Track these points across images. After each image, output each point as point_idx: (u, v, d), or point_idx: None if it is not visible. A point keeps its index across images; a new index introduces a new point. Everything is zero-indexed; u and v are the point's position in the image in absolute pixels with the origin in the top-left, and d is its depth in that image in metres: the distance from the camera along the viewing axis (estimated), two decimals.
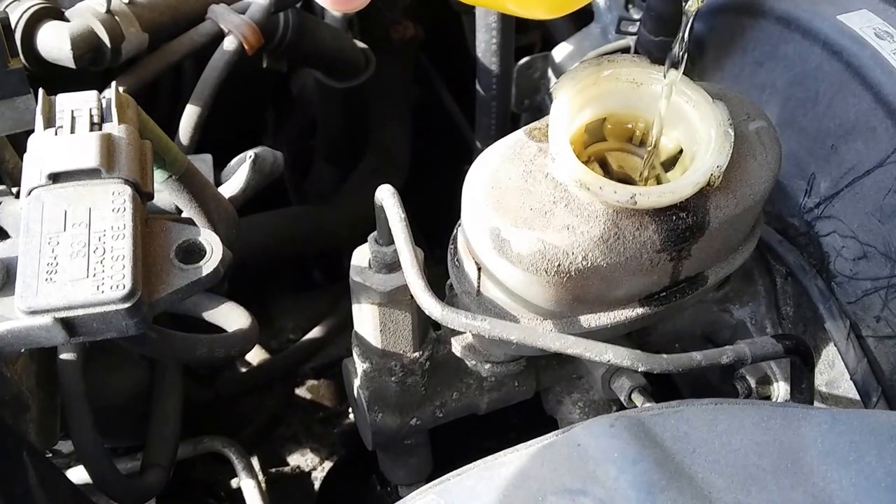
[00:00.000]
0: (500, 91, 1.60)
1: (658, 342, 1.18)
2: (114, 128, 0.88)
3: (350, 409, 1.92)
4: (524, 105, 1.86)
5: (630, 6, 1.62)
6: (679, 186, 0.86)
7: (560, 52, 1.78)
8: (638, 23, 1.22)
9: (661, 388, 1.12)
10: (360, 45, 1.81)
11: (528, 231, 0.87)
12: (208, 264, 0.84)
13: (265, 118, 2.15)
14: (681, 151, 0.94)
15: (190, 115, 1.35)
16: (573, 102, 0.90)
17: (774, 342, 0.94)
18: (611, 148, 0.96)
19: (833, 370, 1.10)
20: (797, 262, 1.10)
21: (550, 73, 1.81)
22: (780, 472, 0.72)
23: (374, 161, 1.99)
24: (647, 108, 0.93)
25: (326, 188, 2.06)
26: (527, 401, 1.21)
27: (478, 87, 1.61)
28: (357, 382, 1.13)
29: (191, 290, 0.83)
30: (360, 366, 1.10)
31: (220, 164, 1.30)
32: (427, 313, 0.88)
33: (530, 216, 0.88)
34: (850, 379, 1.04)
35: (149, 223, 0.87)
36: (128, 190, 0.84)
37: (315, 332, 1.90)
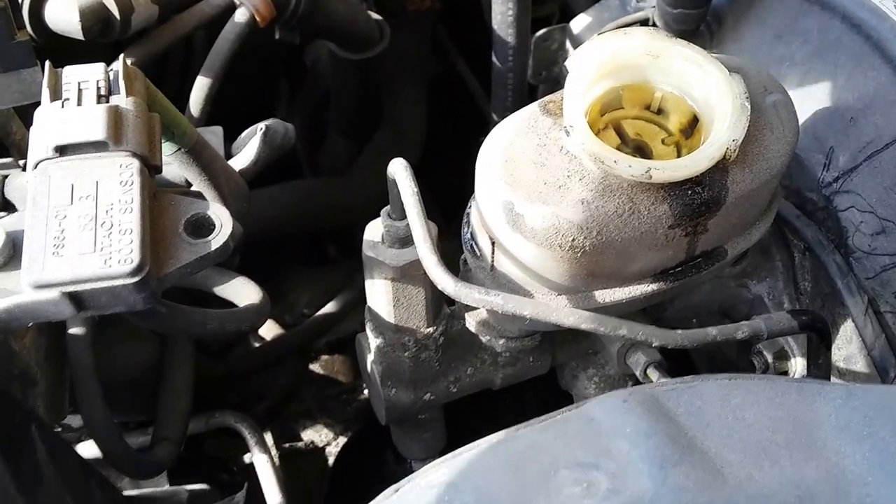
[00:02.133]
0: (516, 63, 1.58)
1: (674, 318, 1.17)
2: (121, 100, 0.88)
3: (364, 385, 1.92)
4: (542, 77, 1.84)
5: None
6: (695, 160, 0.84)
7: (578, 23, 1.75)
8: None
9: (677, 363, 1.11)
10: (375, 16, 1.79)
11: (542, 205, 0.86)
12: (217, 238, 0.83)
13: (278, 90, 2.13)
14: (697, 121, 0.92)
15: (200, 88, 1.34)
16: (588, 76, 0.89)
17: (790, 318, 0.92)
18: (628, 116, 0.95)
19: (851, 346, 1.08)
20: (815, 237, 1.08)
21: (568, 44, 1.79)
22: (793, 446, 0.72)
23: (389, 135, 1.97)
24: (665, 80, 0.92)
25: (340, 161, 2.04)
26: (543, 376, 1.20)
27: (494, 59, 1.59)
28: (370, 357, 1.12)
29: (200, 264, 0.82)
30: (373, 341, 1.09)
31: (232, 137, 1.29)
32: (440, 288, 0.88)
33: (545, 190, 0.87)
34: (868, 355, 1.03)
35: (157, 197, 0.86)
36: (135, 163, 0.84)
37: (329, 308, 1.89)
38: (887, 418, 0.72)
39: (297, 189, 1.85)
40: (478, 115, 2.08)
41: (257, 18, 1.36)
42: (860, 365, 1.08)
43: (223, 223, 0.84)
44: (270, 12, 1.37)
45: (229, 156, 1.19)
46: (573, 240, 0.86)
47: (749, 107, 0.85)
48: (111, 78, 0.89)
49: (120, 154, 0.84)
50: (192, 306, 1.00)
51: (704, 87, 0.89)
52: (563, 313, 0.87)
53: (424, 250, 0.88)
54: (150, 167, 0.87)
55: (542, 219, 0.86)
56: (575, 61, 0.89)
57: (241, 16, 1.36)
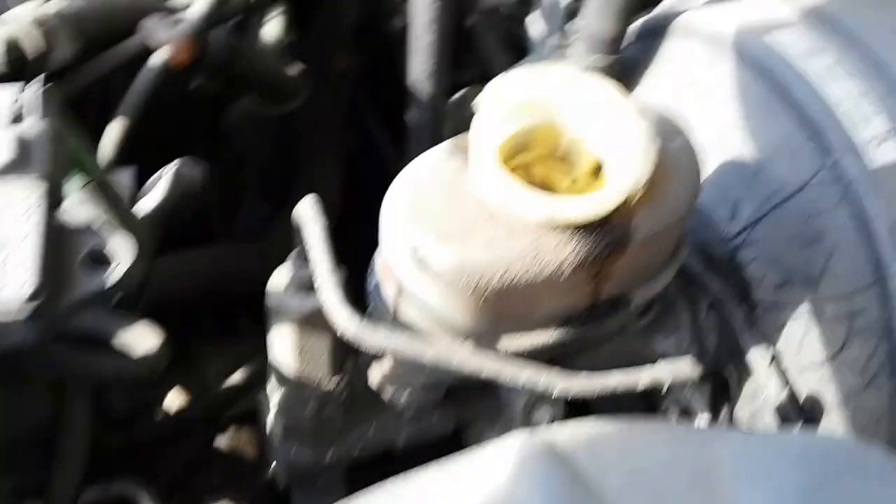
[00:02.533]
0: (432, 119, 1.58)
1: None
2: (32, 125, 0.85)
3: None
4: None
5: (562, 36, 1.62)
6: (598, 201, 0.84)
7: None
8: (570, 45, 1.23)
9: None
10: (293, 70, 1.79)
11: (448, 246, 0.85)
12: (117, 271, 0.80)
13: (195, 151, 2.10)
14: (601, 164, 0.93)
15: (114, 130, 1.32)
16: (497, 113, 0.89)
17: (692, 367, 0.92)
18: (535, 159, 0.94)
19: (756, 402, 1.08)
20: (720, 291, 1.08)
21: None
22: (691, 491, 0.71)
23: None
24: (573, 120, 0.92)
25: (257, 226, 2.01)
26: (449, 447, 1.17)
27: (410, 114, 1.59)
28: (271, 413, 1.08)
29: (98, 297, 0.79)
30: (274, 395, 1.06)
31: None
32: (341, 329, 0.85)
33: (451, 231, 0.86)
34: (773, 409, 1.03)
35: (58, 227, 0.83)
36: (40, 189, 0.81)
37: (238, 378, 1.84)
38: (783, 463, 0.72)
39: (210, 255, 1.81)
40: (390, 174, 2.08)
41: (176, 61, 1.35)
42: (766, 421, 1.08)
43: (124, 256, 0.81)
44: (190, 56, 1.37)
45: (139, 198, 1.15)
46: (478, 281, 0.84)
47: (654, 148, 0.86)
48: (24, 102, 0.86)
49: (25, 179, 0.81)
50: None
51: (611, 129, 0.89)
52: (464, 357, 0.85)
53: (327, 288, 0.86)
54: (55, 196, 0.84)
55: (447, 259, 0.84)
56: (486, 97, 0.89)
57: (159, 58, 1.35)
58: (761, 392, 1.06)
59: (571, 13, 1.60)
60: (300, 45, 1.88)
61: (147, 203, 1.13)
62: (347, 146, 2.11)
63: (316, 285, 0.96)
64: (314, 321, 0.98)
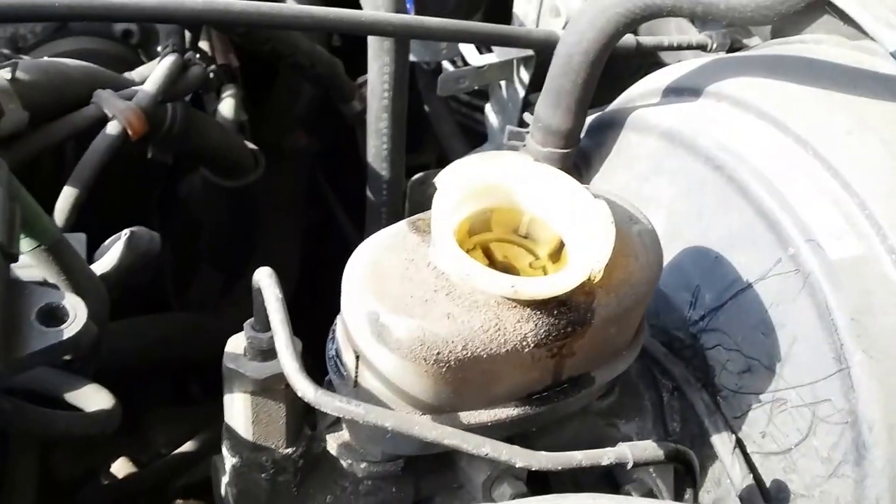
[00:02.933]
0: (390, 197, 1.61)
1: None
2: None
3: None
4: None
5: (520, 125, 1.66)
6: (559, 279, 0.85)
7: None
8: (527, 134, 1.24)
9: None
10: (250, 145, 1.81)
11: (407, 317, 0.85)
12: (70, 328, 0.79)
13: (150, 221, 2.10)
14: (562, 244, 0.93)
15: (66, 197, 1.32)
16: (457, 194, 0.89)
17: (656, 447, 0.92)
18: (496, 238, 0.95)
19: (720, 488, 1.07)
20: (683, 375, 1.09)
21: None
22: None
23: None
24: (532, 203, 0.93)
25: (211, 297, 2.00)
26: None
27: (368, 193, 1.61)
28: (225, 479, 1.06)
29: (50, 353, 0.78)
30: (228, 460, 1.04)
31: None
32: (300, 395, 0.84)
33: (411, 303, 0.86)
34: (736, 496, 1.02)
35: (10, 284, 0.82)
36: None
37: (186, 447, 1.81)
38: None
39: (164, 322, 1.79)
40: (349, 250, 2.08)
41: (129, 132, 1.36)
42: None
43: (77, 314, 0.80)
44: (143, 127, 1.39)
45: (91, 263, 1.15)
46: (438, 353, 0.84)
47: (614, 230, 0.87)
48: None
49: None
50: None
51: (570, 211, 0.90)
52: (425, 427, 0.84)
53: (285, 356, 0.85)
54: (6, 254, 0.84)
55: (407, 330, 0.84)
56: (444, 179, 0.90)
57: (112, 128, 1.37)
58: (725, 478, 1.05)
59: (527, 104, 1.64)
60: (255, 123, 1.90)
61: (102, 265, 1.13)
62: (307, 222, 2.12)
63: (276, 351, 0.96)
64: (271, 387, 0.98)
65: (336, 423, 1.05)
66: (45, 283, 0.98)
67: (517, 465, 0.86)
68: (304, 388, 0.84)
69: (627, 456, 0.90)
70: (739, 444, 1.04)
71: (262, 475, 1.03)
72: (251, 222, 1.95)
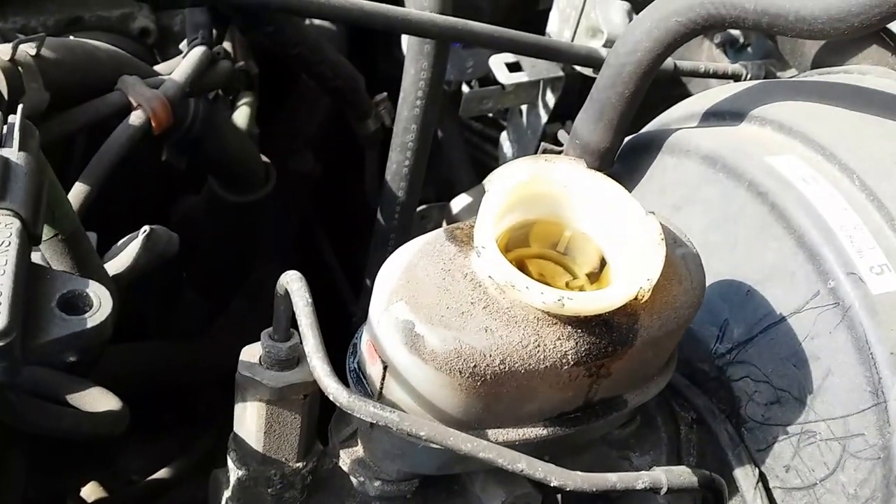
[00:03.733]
0: (401, 222, 1.54)
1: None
2: (12, 153, 0.79)
3: None
4: None
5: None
6: (607, 295, 0.81)
7: (458, 203, 1.75)
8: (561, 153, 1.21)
9: None
10: (264, 159, 1.74)
11: (444, 329, 0.81)
12: (95, 317, 0.74)
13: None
14: (604, 265, 0.90)
15: (77, 194, 1.23)
16: (504, 197, 0.86)
17: (690, 473, 0.88)
18: (532, 254, 0.92)
19: None
20: (706, 406, 1.06)
21: (444, 224, 1.78)
22: None
23: (253, 298, 1.88)
24: (577, 214, 0.90)
25: (195, 323, 1.92)
26: None
27: (378, 216, 1.55)
28: (227, 493, 1.01)
29: (71, 342, 0.73)
30: (234, 472, 0.98)
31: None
32: (331, 398, 0.80)
33: (447, 314, 0.82)
34: None
35: (33, 266, 0.77)
36: (16, 223, 0.75)
37: (160, 474, 1.73)
38: None
39: (146, 350, 1.72)
40: (337, 303, 2.03)
41: (153, 123, 1.29)
42: None
43: (103, 303, 0.75)
44: (169, 119, 1.31)
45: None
46: (474, 366, 0.80)
47: (664, 249, 0.84)
48: (5, 130, 0.81)
49: (2, 211, 0.76)
50: None
51: (618, 226, 0.87)
52: (460, 439, 0.80)
53: (316, 358, 0.81)
54: (31, 234, 0.78)
55: (443, 341, 0.81)
56: (493, 181, 0.86)
57: (136, 118, 1.29)
58: None
59: (545, 136, 1.61)
60: (262, 140, 1.84)
61: (116, 265, 1.07)
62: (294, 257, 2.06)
63: (294, 361, 0.92)
64: (287, 397, 0.93)
65: (350, 439, 1.01)
66: (67, 270, 0.92)
67: (552, 484, 0.82)
68: (337, 391, 0.80)
69: (662, 481, 0.87)
70: (762, 478, 1.01)
71: (269, 489, 0.98)
72: (249, 246, 1.88)
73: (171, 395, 1.94)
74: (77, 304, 0.76)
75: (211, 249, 1.91)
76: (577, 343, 0.82)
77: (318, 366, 0.80)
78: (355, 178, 1.95)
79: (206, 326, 1.87)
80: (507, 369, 0.81)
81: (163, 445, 1.83)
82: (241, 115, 1.75)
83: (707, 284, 1.07)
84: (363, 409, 0.78)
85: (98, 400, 1.01)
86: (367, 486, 0.99)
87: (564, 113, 1.61)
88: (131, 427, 1.89)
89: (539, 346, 0.81)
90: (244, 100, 1.76)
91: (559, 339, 0.82)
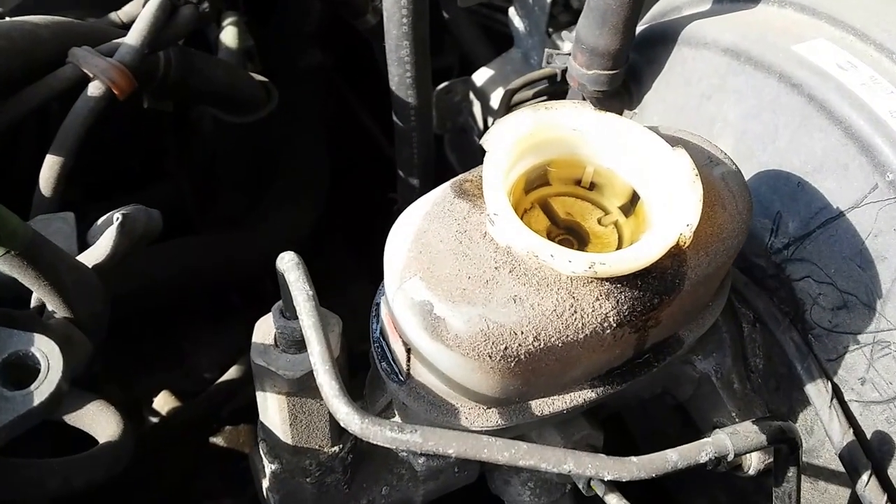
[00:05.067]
0: (419, 122, 1.43)
1: (614, 403, 1.03)
2: None
3: None
4: (447, 127, 1.72)
5: (550, 31, 1.48)
6: (644, 251, 0.71)
7: (481, 76, 1.64)
8: (568, 56, 1.07)
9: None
10: (260, 78, 1.63)
11: (467, 306, 0.72)
12: (43, 387, 0.64)
13: (166, 142, 1.94)
14: (637, 198, 0.79)
15: (51, 167, 1.16)
16: (508, 154, 0.75)
17: (758, 430, 0.80)
18: (556, 192, 0.81)
19: (812, 437, 0.97)
20: (767, 309, 0.96)
21: (472, 96, 1.67)
22: None
23: (290, 184, 1.81)
24: (595, 153, 0.78)
25: (235, 213, 1.86)
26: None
27: (395, 118, 1.44)
28: (266, 483, 0.95)
29: (20, 424, 0.63)
30: (268, 466, 0.92)
31: (113, 201, 1.10)
32: (342, 424, 0.71)
33: (469, 287, 0.72)
34: (836, 454, 0.91)
35: None
36: None
37: (231, 373, 1.68)
38: None
39: (192, 245, 1.64)
40: (380, 160, 1.96)
41: (115, 91, 1.19)
42: (823, 459, 0.96)
43: (51, 363, 0.64)
44: (130, 84, 1.21)
45: (84, 245, 0.99)
46: (505, 348, 0.71)
47: (700, 185, 0.73)
48: None
49: None
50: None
51: (643, 163, 0.76)
52: (495, 448, 0.71)
53: (323, 375, 0.72)
54: None
55: (467, 322, 0.71)
56: (492, 139, 0.75)
57: (95, 89, 1.19)
58: (818, 425, 0.94)
59: (554, 5, 1.46)
60: (264, 46, 1.72)
61: (93, 255, 0.97)
62: (328, 127, 1.98)
63: (312, 367, 0.83)
64: (309, 383, 0.85)
65: (387, 409, 0.93)
66: (7, 315, 0.80)
67: (606, 479, 0.74)
68: (348, 416, 0.71)
69: (728, 447, 0.78)
70: (836, 391, 0.92)
71: (308, 479, 0.92)
72: (270, 148, 1.80)
73: (232, 284, 1.90)
74: (22, 369, 0.65)
75: (230, 160, 1.84)
76: (618, 301, 0.73)
77: (326, 383, 0.71)
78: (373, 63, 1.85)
79: (249, 213, 1.80)
80: (542, 345, 0.72)
81: (232, 334, 1.78)
82: (230, 35, 1.64)
83: (752, 173, 0.96)
84: (380, 434, 0.70)
85: (96, 419, 0.92)
86: (412, 460, 0.93)
87: None
88: (200, 316, 1.86)
89: (576, 312, 0.72)
90: (229, 19, 1.64)
91: (597, 300, 0.72)
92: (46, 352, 0.65)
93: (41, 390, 0.64)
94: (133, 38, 1.25)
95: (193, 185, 1.88)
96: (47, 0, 1.36)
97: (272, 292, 1.83)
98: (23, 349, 0.65)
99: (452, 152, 1.83)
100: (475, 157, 1.73)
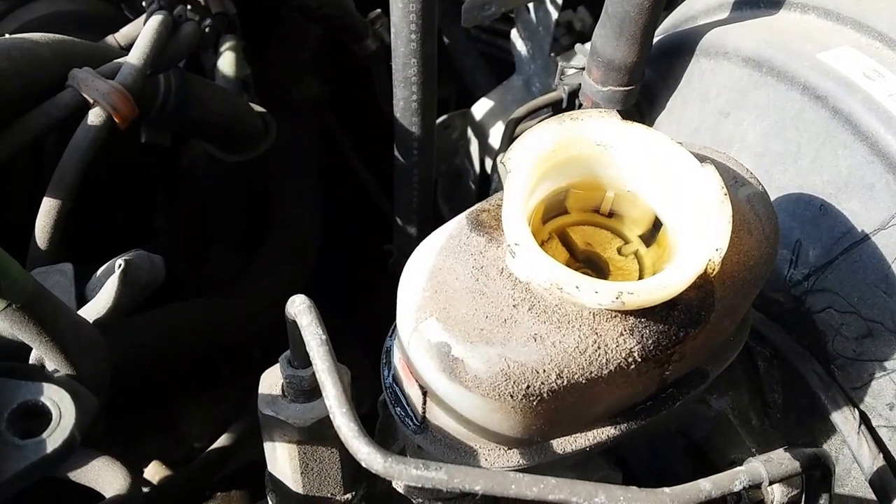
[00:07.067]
0: (421, 157, 1.39)
1: (628, 442, 1.00)
2: None
3: None
4: (441, 170, 1.68)
5: (554, 55, 1.46)
6: (672, 279, 0.68)
7: (480, 108, 1.61)
8: (581, 70, 1.04)
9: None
10: (258, 108, 1.59)
11: (485, 346, 0.69)
12: (56, 435, 0.61)
13: (154, 195, 1.90)
14: (660, 225, 0.76)
15: (48, 211, 1.09)
16: (529, 176, 0.72)
17: (791, 458, 0.77)
18: (574, 221, 0.78)
19: (838, 466, 0.93)
20: (786, 344, 0.93)
21: (470, 133, 1.64)
22: None
23: (281, 241, 1.77)
24: (618, 173, 0.76)
25: (227, 274, 1.82)
26: None
27: (396, 153, 1.40)
28: None
29: (34, 471, 0.60)
30: None
31: (99, 258, 1.06)
32: (365, 465, 0.68)
33: (487, 326, 0.69)
34: (867, 480, 0.88)
35: None
36: None
37: (222, 440, 1.65)
38: None
39: (179, 311, 1.61)
40: (374, 212, 1.92)
41: (116, 119, 1.13)
42: (850, 487, 0.94)
43: (63, 411, 0.62)
44: (132, 111, 1.15)
45: (83, 299, 0.95)
46: (527, 387, 0.68)
47: (730, 207, 0.70)
48: None
49: None
50: None
51: (669, 181, 0.73)
52: (523, 483, 0.68)
53: (340, 417, 0.68)
54: None
55: (486, 363, 0.68)
56: (514, 158, 0.72)
57: (95, 117, 1.13)
58: (844, 451, 0.91)
59: (558, 27, 1.45)
60: (259, 75, 1.68)
61: (94, 309, 0.94)
62: (321, 169, 1.94)
63: (322, 395, 0.80)
64: (320, 431, 0.82)
65: (401, 453, 0.89)
66: (14, 368, 0.76)
67: None
68: (370, 456, 0.67)
69: (762, 475, 0.75)
70: (863, 418, 0.89)
71: None
72: (264, 192, 1.76)
73: (222, 350, 1.86)
74: (34, 418, 0.62)
75: (222, 205, 1.80)
76: (642, 336, 0.70)
77: (345, 425, 0.67)
78: (368, 96, 1.81)
79: (239, 275, 1.76)
80: (565, 383, 0.69)
81: (222, 403, 1.75)
82: (227, 61, 1.60)
83: (772, 198, 0.93)
84: (404, 472, 0.66)
85: (102, 475, 0.88)
86: (427, 503, 0.89)
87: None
88: (189, 386, 1.82)
89: (599, 348, 0.69)
90: (227, 44, 1.59)
91: (621, 335, 0.69)
92: (57, 400, 0.63)
93: (54, 437, 0.61)
94: (135, 56, 1.20)
95: (184, 241, 1.83)
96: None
97: (259, 359, 1.81)
98: (32, 398, 0.62)
99: (446, 202, 1.78)
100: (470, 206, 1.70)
